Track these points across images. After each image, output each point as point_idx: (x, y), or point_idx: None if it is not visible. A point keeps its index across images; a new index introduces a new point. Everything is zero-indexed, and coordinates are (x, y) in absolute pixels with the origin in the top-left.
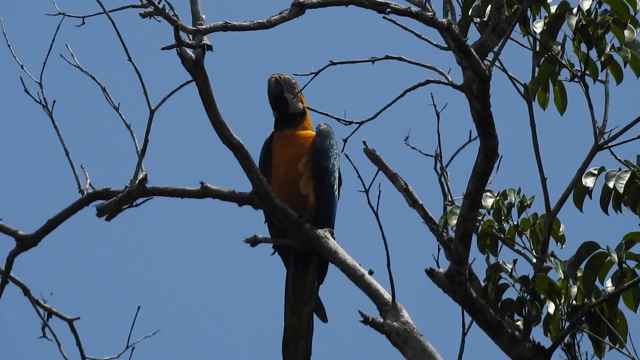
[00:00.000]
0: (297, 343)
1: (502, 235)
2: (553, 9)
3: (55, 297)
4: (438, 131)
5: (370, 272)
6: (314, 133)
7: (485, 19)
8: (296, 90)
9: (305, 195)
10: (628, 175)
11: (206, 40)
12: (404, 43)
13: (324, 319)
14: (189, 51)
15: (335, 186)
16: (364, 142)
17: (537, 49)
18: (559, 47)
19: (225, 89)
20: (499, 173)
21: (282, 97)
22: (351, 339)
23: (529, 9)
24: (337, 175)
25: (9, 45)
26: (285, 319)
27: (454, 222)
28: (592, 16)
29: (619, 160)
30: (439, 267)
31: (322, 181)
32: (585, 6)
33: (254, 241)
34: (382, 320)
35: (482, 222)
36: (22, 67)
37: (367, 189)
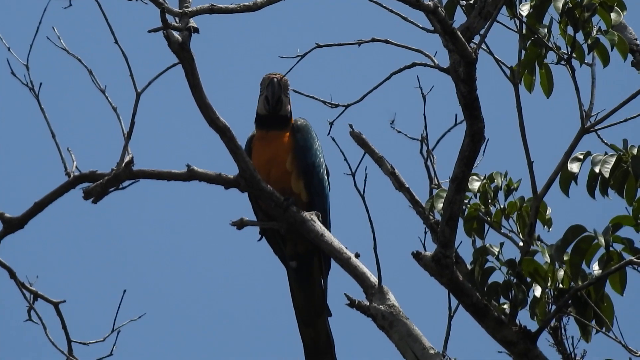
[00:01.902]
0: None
1: (488, 219)
2: None
3: (41, 280)
4: (424, 114)
5: (357, 255)
6: (293, 129)
7: (471, 1)
8: (289, 93)
9: (297, 193)
10: (614, 159)
11: (192, 22)
12: (390, 26)
13: (328, 313)
14: (176, 34)
15: (325, 178)
16: (350, 126)
17: (524, 31)
18: (546, 30)
19: (212, 72)
20: (485, 156)
21: (280, 99)
22: (337, 322)
23: None
24: (324, 167)
25: None
26: (301, 332)
27: (441, 205)
28: None
29: (606, 143)
30: (425, 251)
31: (311, 178)
32: None
33: (240, 224)
34: (368, 304)
35: (468, 206)
36: (9, 49)
37: (353, 172)
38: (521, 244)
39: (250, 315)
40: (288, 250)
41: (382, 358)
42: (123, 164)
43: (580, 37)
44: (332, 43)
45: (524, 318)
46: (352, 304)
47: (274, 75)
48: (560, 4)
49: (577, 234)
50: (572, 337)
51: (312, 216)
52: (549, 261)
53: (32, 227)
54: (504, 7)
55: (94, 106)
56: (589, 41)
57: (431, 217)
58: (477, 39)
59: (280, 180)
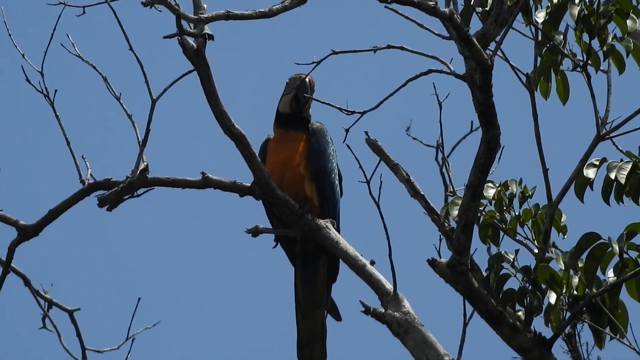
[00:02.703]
0: (313, 346)
1: (503, 226)
2: None
3: (56, 288)
4: (440, 121)
5: (372, 263)
6: (309, 133)
7: (487, 8)
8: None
9: (309, 197)
10: (629, 166)
11: (208, 29)
12: (405, 33)
13: (337, 317)
14: (191, 40)
15: (336, 183)
16: (366, 132)
17: (539, 38)
18: (561, 37)
19: (227, 79)
20: (500, 163)
21: (307, 99)
22: (352, 329)
23: None
24: (337, 172)
25: (10, 35)
26: (298, 323)
27: (456, 212)
28: (595, 6)
29: (621, 150)
30: (440, 258)
31: (322, 182)
32: None
33: (255, 232)
34: (383, 311)
35: (483, 213)
36: (24, 57)
37: (368, 179)
38: (536, 251)
39: (265, 323)
40: (298, 248)
41: None
42: (138, 172)
43: (595, 44)
44: (348, 50)
45: (539, 325)
46: (368, 311)
47: (308, 76)
48: (575, 11)
49: (592, 242)
50: (587, 344)
51: (327, 224)
52: (563, 268)
53: (47, 234)
54: (520, 14)
55: (109, 113)
56: (605, 48)
57: (446, 225)
58: (492, 45)
59: (293, 183)
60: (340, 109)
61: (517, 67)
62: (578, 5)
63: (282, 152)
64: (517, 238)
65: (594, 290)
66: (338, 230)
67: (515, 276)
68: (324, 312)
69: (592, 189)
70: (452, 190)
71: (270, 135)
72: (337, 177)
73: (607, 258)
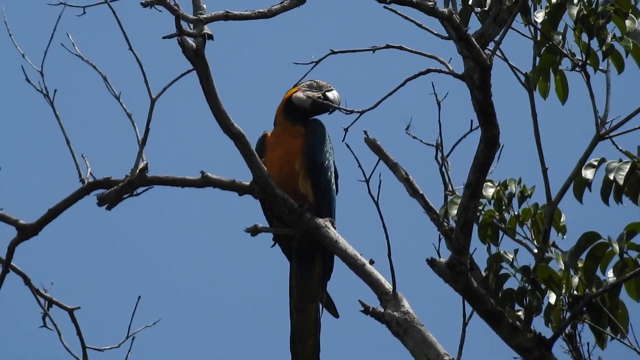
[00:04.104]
0: (305, 341)
1: (503, 225)
2: None
3: (56, 287)
4: (439, 121)
5: (371, 262)
6: (307, 130)
7: (486, 8)
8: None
9: (304, 194)
10: (628, 166)
11: (207, 29)
12: (404, 32)
13: (335, 314)
14: (190, 40)
15: (332, 180)
16: (365, 132)
17: (538, 38)
18: (560, 37)
19: (226, 78)
20: (499, 163)
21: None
22: (351, 328)
23: None
24: (333, 169)
25: (10, 35)
26: (291, 317)
27: (455, 212)
28: (593, 6)
29: (620, 150)
30: (439, 257)
31: (318, 178)
32: None
33: (254, 231)
34: (382, 310)
35: (482, 212)
36: (24, 56)
37: (367, 178)
38: (535, 250)
39: (265, 321)
40: (294, 243)
41: None
42: (137, 171)
43: (594, 43)
44: (347, 49)
45: (539, 325)
46: (367, 310)
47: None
48: (574, 11)
49: (591, 241)
50: (587, 344)
51: (326, 222)
52: (563, 268)
53: (47, 233)
54: (519, 13)
55: (108, 112)
56: (604, 48)
57: (445, 224)
58: (491, 45)
59: (289, 179)
60: (339, 108)
61: (516, 67)
62: (577, 5)
63: (280, 148)
64: (516, 238)
65: (594, 290)
66: (334, 228)
67: (514, 276)
68: (318, 307)
69: (590, 190)
70: (451, 189)
71: (267, 131)
72: (334, 175)
73: (607, 258)
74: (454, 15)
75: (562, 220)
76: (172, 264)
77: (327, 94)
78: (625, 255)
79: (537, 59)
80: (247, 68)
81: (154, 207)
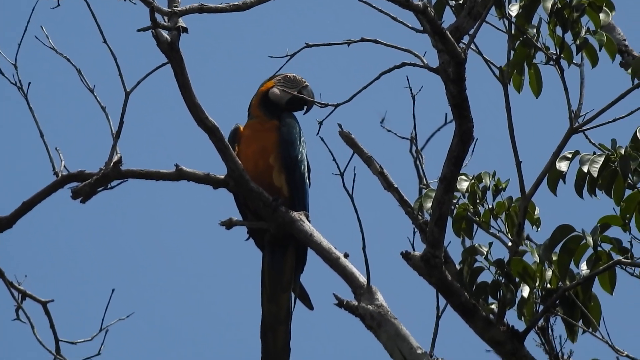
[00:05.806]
0: (276, 329)
1: (477, 219)
2: None
3: (30, 280)
4: (413, 114)
5: (346, 255)
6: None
7: (460, 1)
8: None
9: (279, 187)
10: (602, 159)
11: (182, 22)
12: (379, 26)
13: (309, 306)
14: (165, 33)
15: (306, 174)
16: (339, 125)
17: (513, 32)
18: (535, 31)
19: (201, 72)
20: (474, 156)
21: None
22: (326, 321)
23: None
24: (306, 163)
25: None
26: (263, 306)
27: (429, 205)
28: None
29: (594, 144)
30: (414, 251)
31: (293, 172)
32: None
33: (229, 224)
34: (356, 304)
35: (457, 206)
36: None
37: (342, 172)
38: (510, 243)
39: (238, 314)
40: (267, 236)
41: (370, 358)
42: (111, 164)
43: (569, 37)
44: (322, 43)
45: (512, 318)
46: (341, 303)
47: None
48: (549, 4)
49: (566, 234)
50: (560, 337)
51: (300, 216)
52: (537, 261)
53: (21, 226)
54: (493, 7)
55: (82, 106)
56: (578, 41)
57: (420, 217)
58: (466, 39)
59: (264, 173)
60: (314, 101)
61: (490, 61)
62: None
63: (257, 141)
64: (490, 231)
65: (567, 283)
66: (308, 218)
67: (488, 269)
68: (290, 297)
69: (564, 182)
70: (425, 182)
71: (239, 124)
72: (307, 169)
73: (580, 251)
74: (429, 8)
75: (536, 213)
76: (147, 257)
77: (303, 91)
78: (599, 249)
79: (512, 52)
80: (222, 61)
81: (128, 200)
